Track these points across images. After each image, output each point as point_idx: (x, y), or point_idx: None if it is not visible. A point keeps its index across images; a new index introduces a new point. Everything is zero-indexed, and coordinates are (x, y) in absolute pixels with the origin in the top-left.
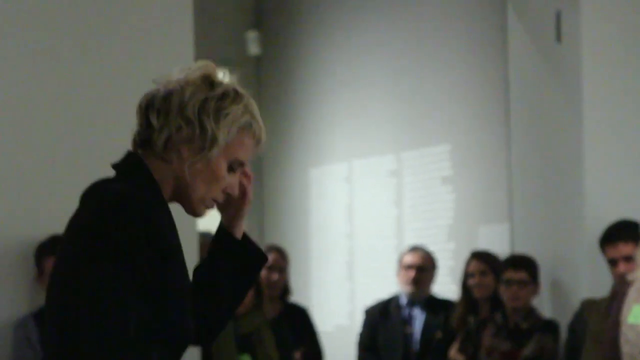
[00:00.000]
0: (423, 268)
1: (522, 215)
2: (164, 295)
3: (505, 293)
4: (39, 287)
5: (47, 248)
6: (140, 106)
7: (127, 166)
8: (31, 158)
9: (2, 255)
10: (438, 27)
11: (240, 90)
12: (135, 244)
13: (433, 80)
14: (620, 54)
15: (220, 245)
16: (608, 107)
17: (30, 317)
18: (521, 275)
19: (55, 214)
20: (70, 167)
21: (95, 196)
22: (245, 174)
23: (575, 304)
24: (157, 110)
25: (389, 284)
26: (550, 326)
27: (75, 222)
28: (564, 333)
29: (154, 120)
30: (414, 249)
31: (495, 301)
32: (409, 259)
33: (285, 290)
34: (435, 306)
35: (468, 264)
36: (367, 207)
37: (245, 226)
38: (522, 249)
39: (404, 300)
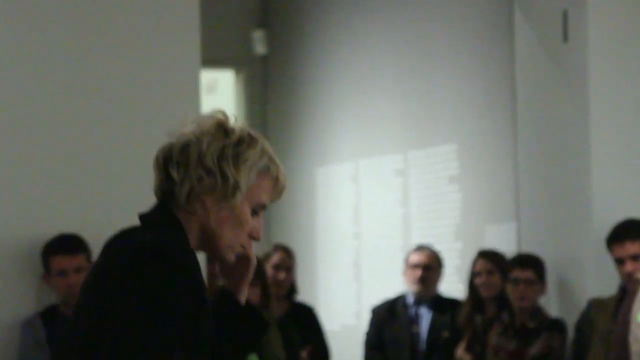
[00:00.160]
0: (429, 267)
1: (529, 214)
2: (195, 349)
3: (512, 292)
4: (45, 285)
5: (53, 247)
6: (157, 160)
7: (159, 217)
8: (38, 157)
9: (8, 254)
10: (445, 26)
11: (254, 133)
12: (182, 299)
13: (440, 80)
14: (626, 53)
15: (222, 309)
16: (615, 107)
17: (38, 316)
18: (528, 274)
19: (62, 213)
20: (77, 166)
21: (134, 248)
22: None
23: (582, 303)
24: (176, 163)
25: (395, 283)
26: (557, 325)
27: (112, 274)
28: (571, 332)
29: (174, 174)
30: (420, 248)
31: (502, 300)
32: (415, 258)
33: (292, 289)
34: (442, 305)
35: (475, 263)
36: (374, 206)
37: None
38: (529, 248)
39: (410, 300)
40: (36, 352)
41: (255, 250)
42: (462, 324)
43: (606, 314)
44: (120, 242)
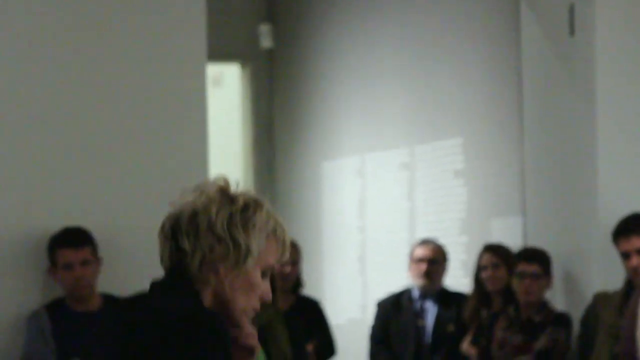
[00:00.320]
0: (434, 261)
1: (535, 208)
2: None
3: (518, 286)
4: (51, 279)
5: (59, 240)
6: (163, 230)
7: (177, 284)
8: (44, 150)
9: (15, 247)
10: (451, 20)
11: (257, 197)
12: None
13: (446, 74)
14: (633, 47)
15: None
16: (621, 100)
17: (44, 309)
18: (534, 268)
19: (68, 206)
20: (84, 159)
21: (171, 321)
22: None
23: (588, 297)
24: (185, 232)
25: (401, 277)
26: (563, 319)
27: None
28: (576, 326)
29: (185, 244)
30: (425, 242)
31: (507, 294)
32: (420, 252)
33: (297, 283)
34: (447, 299)
35: (481, 257)
36: (380, 200)
37: None
38: (534, 242)
39: (416, 293)
40: (42, 345)
41: None
42: (468, 318)
43: (612, 308)
44: (150, 314)
